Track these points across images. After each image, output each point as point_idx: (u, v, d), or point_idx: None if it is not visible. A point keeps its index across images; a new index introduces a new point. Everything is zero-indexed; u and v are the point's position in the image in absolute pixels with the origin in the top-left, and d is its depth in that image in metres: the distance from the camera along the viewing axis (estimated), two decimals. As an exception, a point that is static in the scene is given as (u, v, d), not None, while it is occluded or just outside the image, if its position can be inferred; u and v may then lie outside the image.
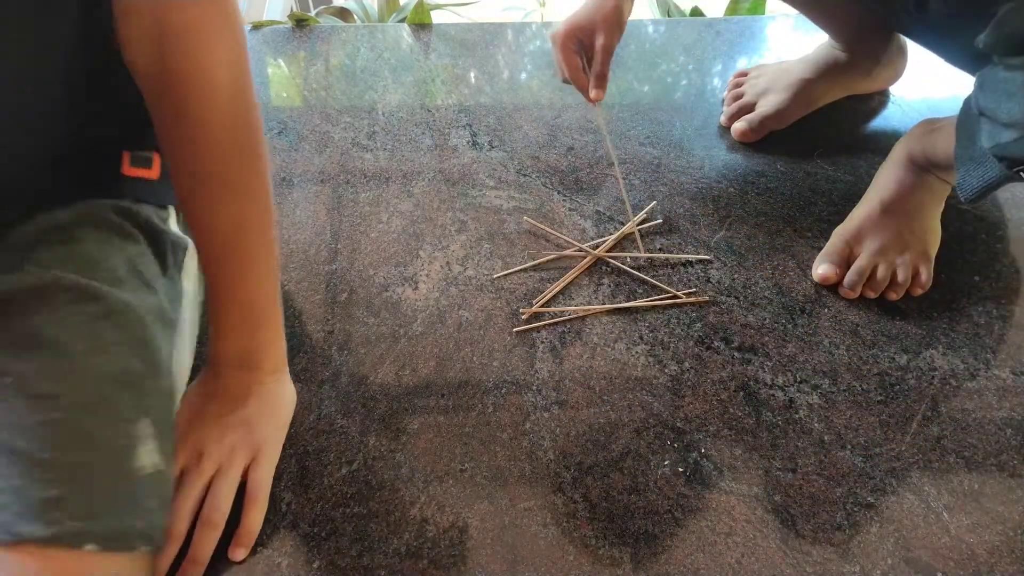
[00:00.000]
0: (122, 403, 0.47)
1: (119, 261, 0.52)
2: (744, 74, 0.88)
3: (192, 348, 0.60)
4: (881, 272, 0.68)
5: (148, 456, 0.47)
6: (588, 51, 0.73)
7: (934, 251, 0.70)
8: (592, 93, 0.73)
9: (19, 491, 0.42)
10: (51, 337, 0.47)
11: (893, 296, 0.68)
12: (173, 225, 0.60)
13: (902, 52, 0.86)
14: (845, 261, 0.69)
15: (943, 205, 0.71)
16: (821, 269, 0.70)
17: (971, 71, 0.70)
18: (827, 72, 0.83)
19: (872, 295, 0.68)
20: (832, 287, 0.69)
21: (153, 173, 0.59)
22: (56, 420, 0.45)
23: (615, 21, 0.70)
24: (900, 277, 0.68)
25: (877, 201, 0.70)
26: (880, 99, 0.89)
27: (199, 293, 0.62)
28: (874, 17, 0.79)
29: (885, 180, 0.71)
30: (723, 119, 0.85)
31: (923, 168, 0.69)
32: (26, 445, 0.44)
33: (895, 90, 0.90)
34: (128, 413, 0.47)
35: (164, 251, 0.58)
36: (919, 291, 0.68)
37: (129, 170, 0.57)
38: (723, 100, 0.88)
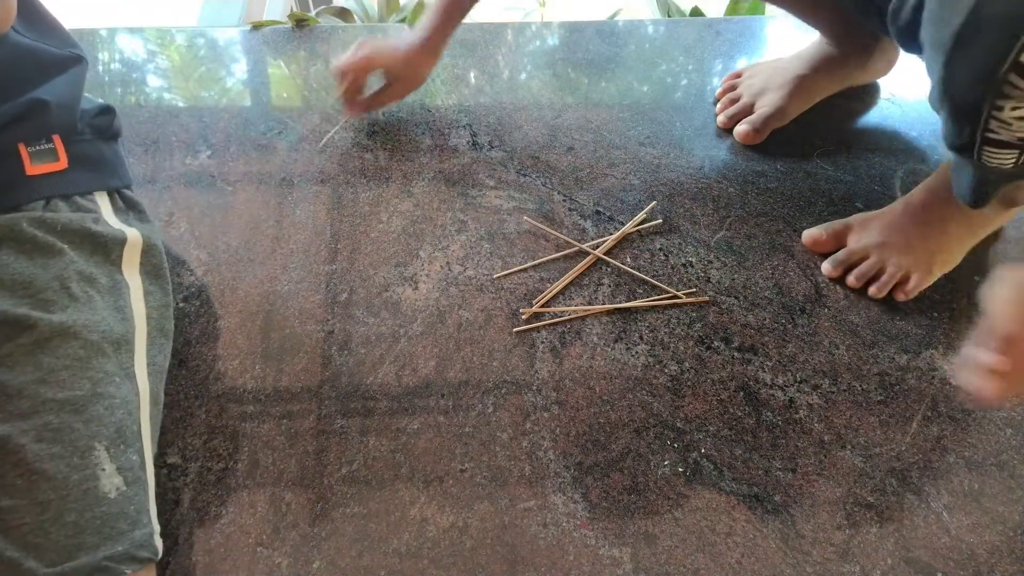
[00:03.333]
0: (75, 432, 0.46)
1: (47, 279, 0.50)
2: (737, 75, 0.88)
3: (166, 341, 0.59)
4: (869, 263, 0.68)
5: (108, 480, 0.46)
6: None
7: (939, 271, 0.68)
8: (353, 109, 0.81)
9: None
10: None
11: (873, 291, 0.68)
12: (107, 216, 0.57)
13: (894, 43, 0.86)
14: (837, 235, 0.70)
15: (977, 239, 0.70)
16: (812, 231, 0.71)
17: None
18: (822, 67, 0.83)
19: (855, 284, 0.68)
20: (838, 286, 0.69)
21: (60, 164, 0.55)
22: (14, 463, 0.44)
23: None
24: (886, 275, 0.67)
25: (902, 201, 0.70)
26: (879, 99, 0.89)
27: (156, 284, 0.60)
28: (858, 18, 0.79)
29: (919, 186, 0.70)
30: (720, 120, 0.85)
31: None
32: None
33: (894, 90, 0.90)
34: (83, 442, 0.46)
35: (96, 252, 0.55)
36: (902, 296, 0.67)
37: (33, 169, 0.54)
38: (715, 100, 0.88)
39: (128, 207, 0.62)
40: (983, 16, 0.45)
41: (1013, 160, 0.53)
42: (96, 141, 0.60)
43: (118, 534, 0.45)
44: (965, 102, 0.50)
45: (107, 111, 0.62)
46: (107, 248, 0.56)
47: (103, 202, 0.59)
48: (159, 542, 0.48)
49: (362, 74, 0.76)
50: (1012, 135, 0.50)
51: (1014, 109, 0.48)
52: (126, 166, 0.64)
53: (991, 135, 0.51)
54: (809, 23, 0.83)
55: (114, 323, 0.53)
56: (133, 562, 0.45)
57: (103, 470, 0.46)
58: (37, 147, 0.55)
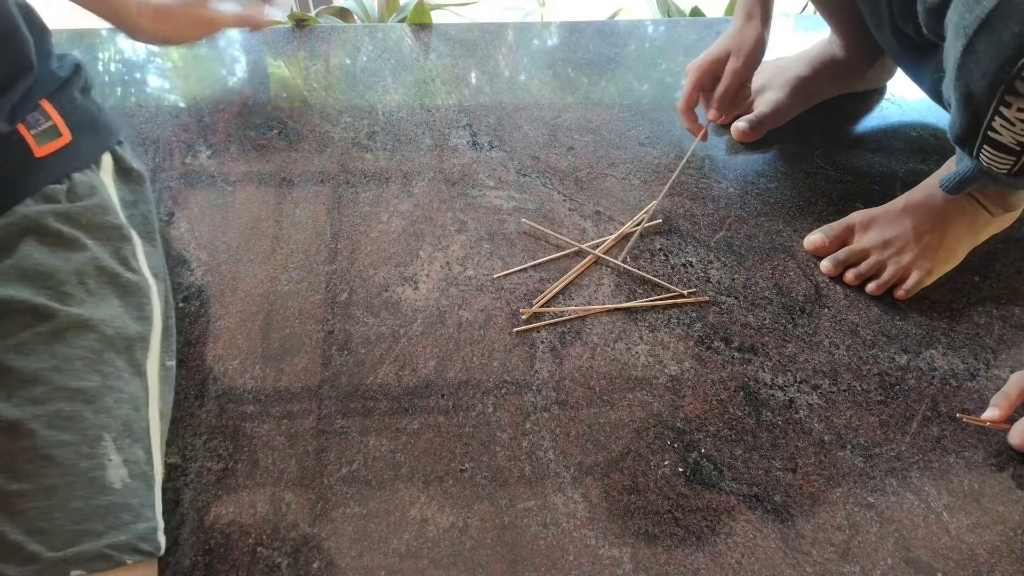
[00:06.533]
0: (86, 422, 0.46)
1: (67, 273, 0.51)
2: None
3: (172, 344, 0.59)
4: (869, 263, 0.68)
5: (115, 472, 0.47)
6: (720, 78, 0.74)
7: (939, 270, 0.68)
8: (710, 113, 0.75)
9: None
10: (4, 364, 0.46)
11: (872, 288, 0.68)
12: (116, 201, 0.58)
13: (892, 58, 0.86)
14: (839, 238, 0.70)
15: (978, 239, 0.70)
16: (814, 236, 0.71)
17: (935, 98, 0.70)
18: (823, 70, 0.83)
19: (853, 281, 0.69)
20: (838, 286, 0.69)
21: (64, 138, 0.55)
22: (24, 448, 0.44)
23: (751, 49, 0.72)
24: (886, 275, 0.68)
25: (903, 198, 0.70)
26: (879, 99, 0.89)
27: (162, 285, 0.60)
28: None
29: (921, 184, 0.70)
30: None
31: None
32: None
33: (894, 90, 0.90)
34: (92, 431, 0.47)
35: (120, 249, 0.56)
36: (901, 294, 0.68)
37: (41, 151, 0.54)
38: None
39: (124, 177, 0.61)
40: (1015, 4, 0.45)
41: (1008, 167, 0.53)
42: (84, 101, 0.60)
43: (122, 524, 0.46)
44: (975, 92, 0.50)
45: (79, 66, 0.62)
46: (127, 245, 0.57)
47: (107, 177, 0.59)
48: (162, 538, 0.49)
49: (705, 75, 0.75)
50: (1013, 137, 0.50)
51: (1020, 110, 0.48)
52: (110, 115, 0.63)
53: (992, 134, 0.51)
54: (827, 18, 0.83)
55: (129, 320, 0.53)
56: (135, 553, 0.46)
57: (110, 460, 0.47)
58: (38, 128, 0.55)
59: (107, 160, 0.60)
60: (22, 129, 0.54)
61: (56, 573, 0.42)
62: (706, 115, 0.76)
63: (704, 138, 0.78)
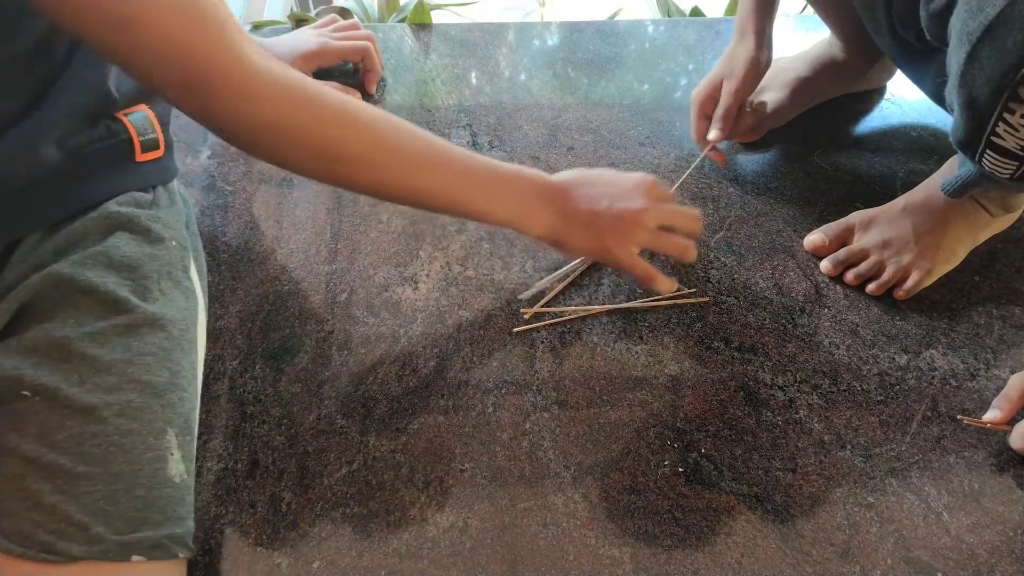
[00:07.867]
0: (153, 414, 0.48)
1: (149, 269, 0.53)
2: None
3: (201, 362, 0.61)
4: (869, 263, 0.68)
5: (175, 466, 0.48)
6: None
7: (939, 270, 0.68)
8: (711, 133, 0.75)
9: (55, 508, 0.43)
10: (80, 350, 0.47)
11: (872, 288, 0.68)
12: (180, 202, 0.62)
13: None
14: (839, 238, 0.70)
15: (978, 240, 0.70)
16: (814, 236, 0.71)
17: (936, 100, 0.70)
18: (823, 70, 0.83)
19: (853, 282, 0.69)
20: (838, 286, 0.69)
21: (159, 151, 0.59)
22: (94, 433, 0.45)
23: (743, 71, 0.72)
24: (886, 274, 0.68)
25: (903, 199, 0.70)
26: (879, 99, 0.89)
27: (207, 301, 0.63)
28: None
29: (921, 184, 0.70)
30: None
31: None
32: (60, 459, 0.44)
33: (894, 90, 0.90)
34: (158, 424, 0.48)
35: (184, 257, 0.58)
36: (901, 295, 0.68)
37: (141, 156, 0.58)
38: None
39: (182, 200, 0.64)
40: (1018, 11, 0.45)
41: (1011, 172, 0.53)
42: (170, 125, 0.64)
43: (177, 518, 0.47)
44: (979, 98, 0.50)
45: None
46: (187, 256, 0.59)
47: (176, 195, 0.62)
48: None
49: (707, 103, 0.76)
50: (1017, 143, 0.50)
51: None
52: None
53: (996, 139, 0.51)
54: (826, 19, 0.83)
55: (190, 324, 0.55)
56: (186, 548, 0.47)
57: (172, 455, 0.48)
58: (145, 136, 0.58)
59: (174, 181, 0.63)
60: (132, 131, 0.56)
61: (119, 555, 0.43)
62: (707, 135, 0.76)
63: (724, 163, 0.79)
